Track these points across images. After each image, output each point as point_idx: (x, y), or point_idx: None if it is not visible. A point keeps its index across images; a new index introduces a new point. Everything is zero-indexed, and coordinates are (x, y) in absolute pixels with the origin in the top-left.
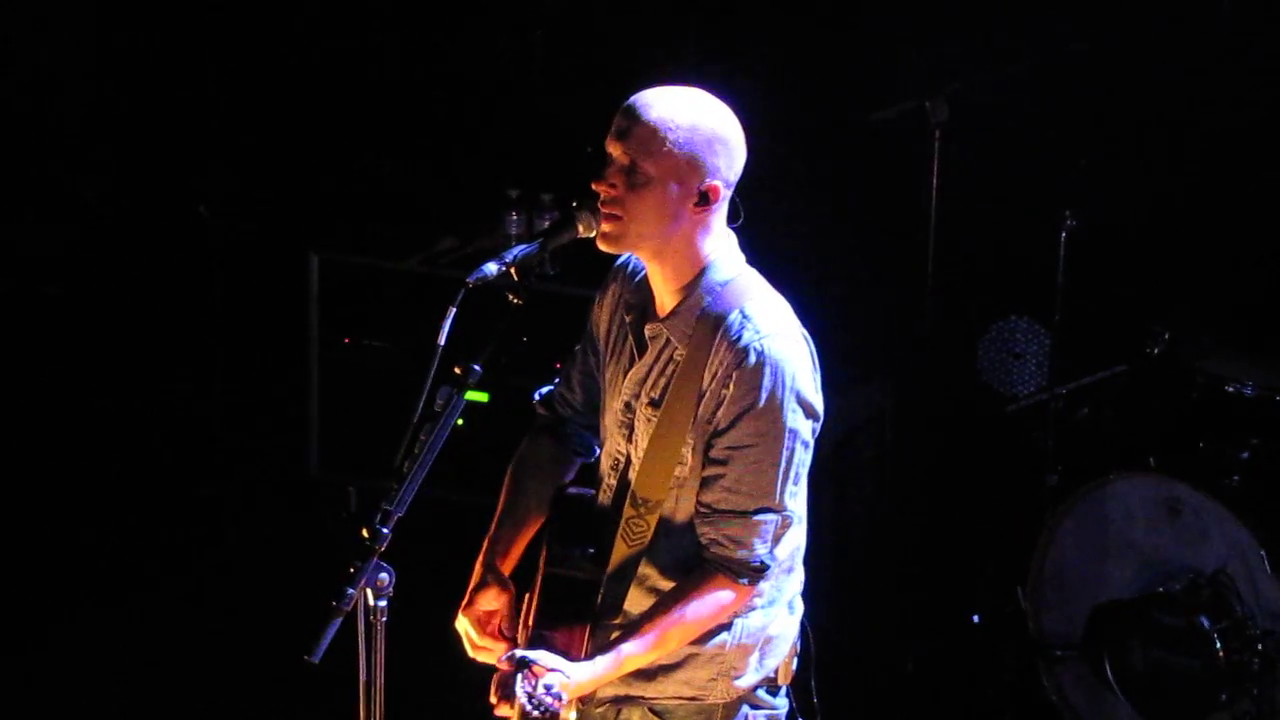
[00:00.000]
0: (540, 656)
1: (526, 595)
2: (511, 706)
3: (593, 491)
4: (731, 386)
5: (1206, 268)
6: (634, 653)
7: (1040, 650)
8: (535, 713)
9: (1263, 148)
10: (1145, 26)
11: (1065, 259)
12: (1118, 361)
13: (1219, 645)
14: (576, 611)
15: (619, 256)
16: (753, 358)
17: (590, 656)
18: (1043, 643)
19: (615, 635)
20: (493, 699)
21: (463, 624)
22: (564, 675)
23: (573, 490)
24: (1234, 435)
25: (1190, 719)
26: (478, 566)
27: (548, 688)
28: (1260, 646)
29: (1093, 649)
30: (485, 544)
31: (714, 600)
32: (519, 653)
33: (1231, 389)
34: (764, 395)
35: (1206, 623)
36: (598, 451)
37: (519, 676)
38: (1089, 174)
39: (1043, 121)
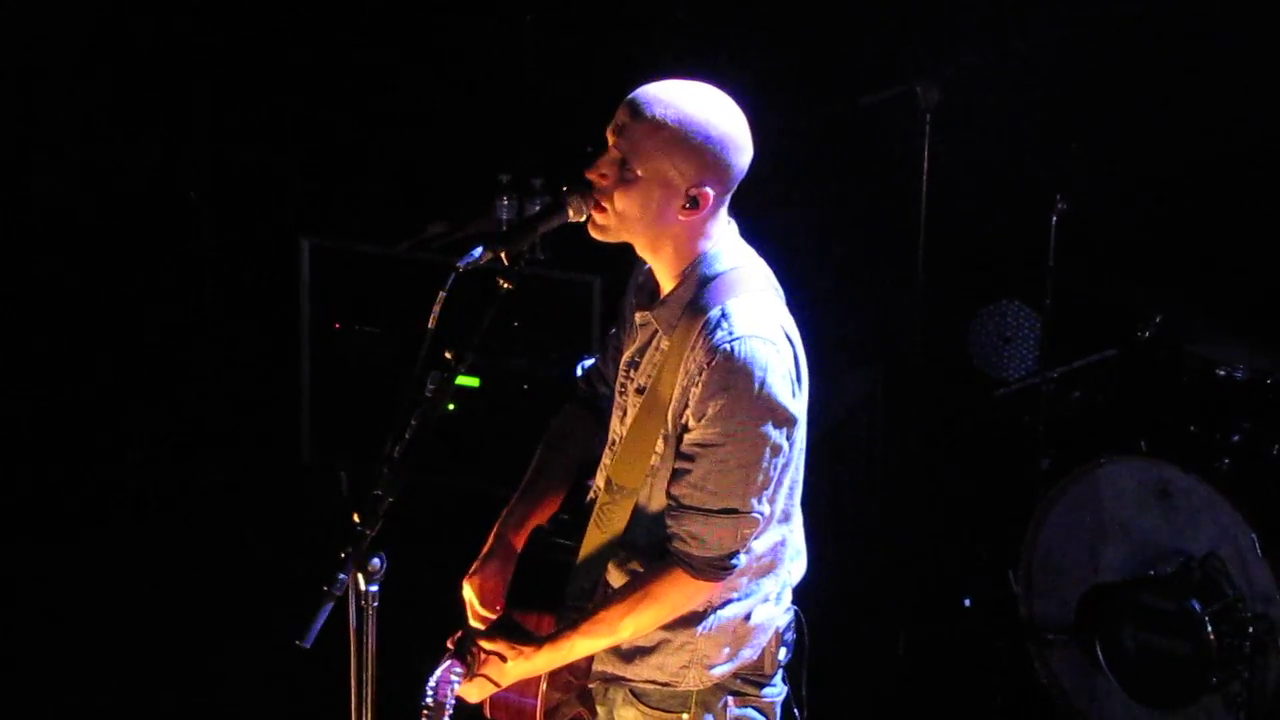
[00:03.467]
0: (489, 640)
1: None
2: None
3: None
4: (700, 385)
5: (1197, 251)
6: (584, 641)
7: (1032, 634)
8: (428, 699)
9: (1254, 131)
10: (1137, 11)
11: (1056, 243)
12: (1108, 345)
13: (1210, 628)
14: (549, 594)
15: None
16: (722, 357)
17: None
18: (1034, 626)
19: (569, 621)
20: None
21: (467, 591)
22: (502, 661)
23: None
24: (1225, 418)
25: (1181, 702)
26: (490, 535)
27: (452, 682)
28: (1251, 629)
29: (1084, 632)
30: (503, 513)
31: (671, 594)
32: (463, 633)
33: (1222, 372)
34: (731, 396)
35: (1197, 606)
36: None
37: (448, 660)
38: (1080, 158)
39: (1034, 106)
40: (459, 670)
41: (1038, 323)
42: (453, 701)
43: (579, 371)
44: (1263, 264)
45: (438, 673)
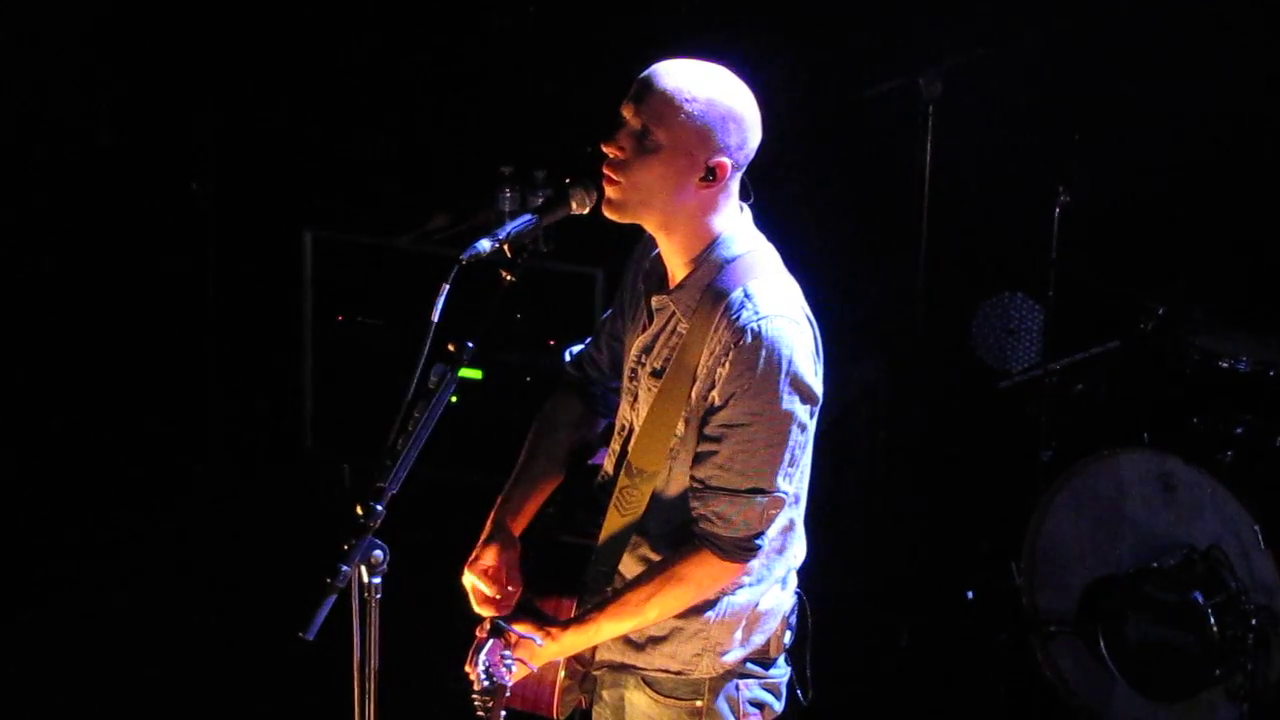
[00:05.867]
0: (519, 623)
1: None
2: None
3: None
4: (727, 365)
5: (1201, 243)
6: (611, 623)
7: (1035, 625)
8: (485, 682)
9: (1257, 123)
10: (1139, 3)
11: (1059, 235)
12: (1112, 337)
13: (1213, 620)
14: (567, 578)
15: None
16: (749, 337)
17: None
18: (1037, 618)
19: (595, 603)
20: (467, 667)
21: (469, 579)
22: (536, 643)
23: (595, 461)
24: (1228, 411)
25: (1184, 693)
26: (488, 522)
27: (506, 662)
28: (1254, 621)
29: (1087, 624)
30: (499, 499)
31: (699, 576)
32: (496, 619)
33: (1225, 365)
34: (759, 376)
35: (1200, 598)
36: None
37: (490, 643)
38: (1083, 150)
39: (1036, 97)
40: (507, 653)
41: (1040, 314)
42: (510, 682)
43: (568, 357)
44: (1266, 256)
45: (483, 656)
